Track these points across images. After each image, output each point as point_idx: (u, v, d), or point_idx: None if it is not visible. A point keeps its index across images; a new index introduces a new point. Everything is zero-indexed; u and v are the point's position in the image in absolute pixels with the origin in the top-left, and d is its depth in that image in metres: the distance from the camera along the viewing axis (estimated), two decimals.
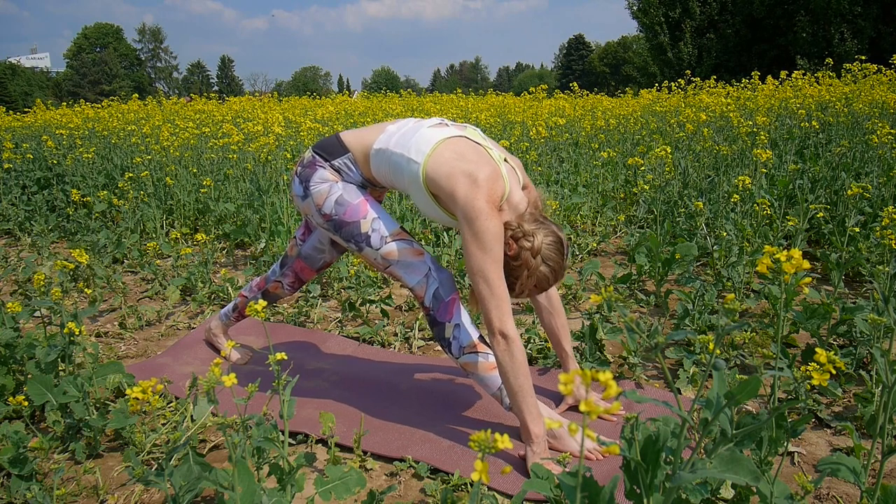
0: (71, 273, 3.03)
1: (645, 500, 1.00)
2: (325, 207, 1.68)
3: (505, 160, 1.64)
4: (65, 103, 9.89)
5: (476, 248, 1.48)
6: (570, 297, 2.70)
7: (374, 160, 1.67)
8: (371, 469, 1.56)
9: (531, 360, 2.13)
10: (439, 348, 2.32)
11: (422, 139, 1.60)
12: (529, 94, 7.62)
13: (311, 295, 2.78)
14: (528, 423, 1.49)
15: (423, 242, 3.26)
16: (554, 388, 1.91)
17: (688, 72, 7.77)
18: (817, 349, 0.97)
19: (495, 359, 1.51)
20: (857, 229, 2.40)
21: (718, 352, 0.91)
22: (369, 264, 1.77)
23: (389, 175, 1.67)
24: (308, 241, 1.93)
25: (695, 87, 7.23)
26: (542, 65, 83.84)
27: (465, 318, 1.62)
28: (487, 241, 1.47)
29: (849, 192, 2.13)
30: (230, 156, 4.24)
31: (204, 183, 3.96)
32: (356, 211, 1.67)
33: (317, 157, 1.72)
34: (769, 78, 6.49)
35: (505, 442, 0.63)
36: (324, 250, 1.93)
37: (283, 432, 1.22)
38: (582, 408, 0.54)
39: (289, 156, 3.83)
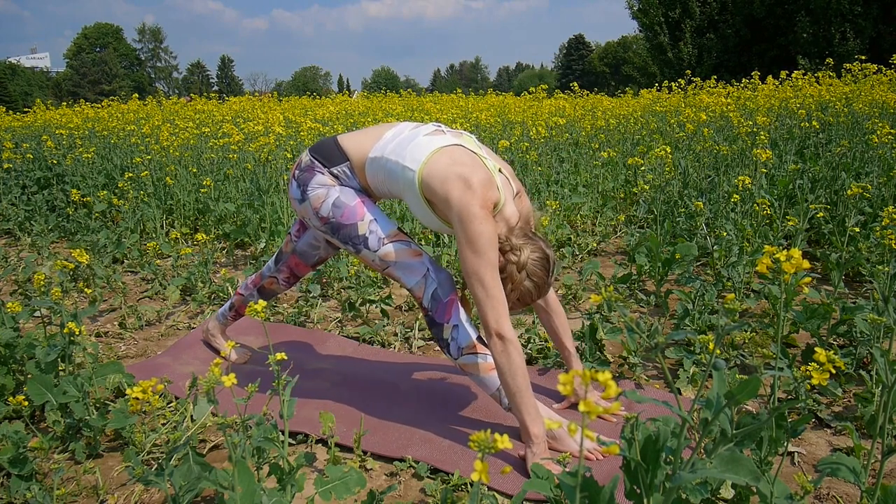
0: (71, 273, 3.03)
1: (645, 500, 1.00)
2: (322, 210, 1.69)
3: (500, 171, 1.64)
4: (65, 103, 9.88)
5: (470, 252, 1.49)
6: (570, 297, 2.69)
7: (370, 168, 1.68)
8: (371, 469, 1.56)
9: (531, 360, 2.13)
10: (439, 348, 2.33)
11: (418, 147, 1.61)
12: (529, 93, 7.62)
13: (311, 295, 2.78)
14: (528, 423, 1.49)
15: (422, 242, 3.26)
16: (554, 388, 1.91)
17: (688, 72, 7.76)
18: (817, 349, 0.97)
19: (493, 360, 1.51)
20: (857, 229, 2.39)
21: (718, 352, 0.90)
22: (368, 265, 1.78)
23: (385, 182, 1.67)
24: (303, 238, 1.95)
25: (695, 87, 7.23)
26: (542, 65, 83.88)
27: (464, 318, 1.62)
28: (481, 245, 1.48)
29: (849, 192, 2.13)
30: (230, 156, 4.24)
31: (204, 183, 3.96)
32: (353, 213, 1.68)
33: (315, 161, 1.72)
34: (769, 78, 6.48)
35: (505, 442, 0.63)
36: (318, 247, 1.94)
37: (283, 432, 1.22)
38: (581, 407, 0.54)
39: (289, 155, 3.83)
